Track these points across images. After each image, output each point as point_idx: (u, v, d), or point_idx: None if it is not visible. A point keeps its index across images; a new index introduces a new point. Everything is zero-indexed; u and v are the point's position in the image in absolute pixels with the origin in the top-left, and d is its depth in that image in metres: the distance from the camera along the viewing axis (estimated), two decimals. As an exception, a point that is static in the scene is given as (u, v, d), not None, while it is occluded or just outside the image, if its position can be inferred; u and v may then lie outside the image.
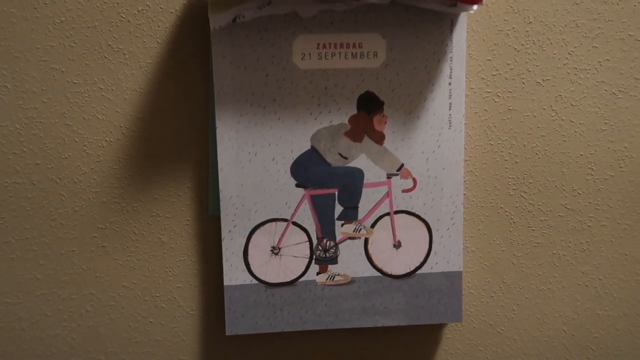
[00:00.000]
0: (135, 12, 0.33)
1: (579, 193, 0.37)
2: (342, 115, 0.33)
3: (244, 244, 0.34)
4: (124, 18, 0.33)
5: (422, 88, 0.33)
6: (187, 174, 0.35)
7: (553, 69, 0.35)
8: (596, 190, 0.37)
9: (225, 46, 0.32)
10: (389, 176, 0.34)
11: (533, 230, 0.37)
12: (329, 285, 0.35)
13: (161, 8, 0.33)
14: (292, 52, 0.33)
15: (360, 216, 0.35)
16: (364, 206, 0.35)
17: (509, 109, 0.36)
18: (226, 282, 0.35)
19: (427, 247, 0.35)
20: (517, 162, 0.36)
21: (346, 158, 0.34)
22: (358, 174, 0.34)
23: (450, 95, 0.34)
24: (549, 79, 0.36)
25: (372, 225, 0.35)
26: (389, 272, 0.35)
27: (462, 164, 0.35)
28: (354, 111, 0.34)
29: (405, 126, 0.34)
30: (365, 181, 0.34)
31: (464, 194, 0.36)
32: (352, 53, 0.33)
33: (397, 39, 0.33)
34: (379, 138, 0.34)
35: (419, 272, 0.35)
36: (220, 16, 0.30)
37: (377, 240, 0.35)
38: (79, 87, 0.33)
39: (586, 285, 0.38)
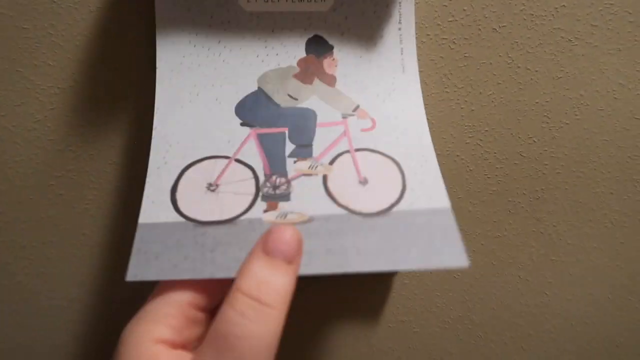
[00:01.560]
0: (83, -46, 0.32)
1: (534, 141, 0.37)
2: (290, 59, 0.32)
3: (173, 181, 0.30)
4: (71, -40, 0.32)
5: (372, 32, 0.32)
6: (144, 119, 0.35)
7: (509, 15, 0.35)
8: (551, 138, 0.37)
9: None
10: (345, 116, 0.33)
11: (489, 177, 0.38)
12: (281, 224, 0.27)
13: (109, -50, 0.32)
14: None
15: (315, 154, 0.31)
16: (318, 145, 0.32)
17: (464, 56, 0.36)
18: (141, 220, 0.28)
19: (400, 183, 0.30)
20: (473, 110, 0.36)
21: (296, 99, 0.32)
22: (310, 113, 0.32)
23: (401, 41, 0.33)
24: (505, 26, 0.35)
25: (331, 163, 0.31)
26: (358, 210, 0.29)
27: (423, 107, 0.33)
28: (303, 54, 0.33)
29: (357, 69, 0.33)
30: (318, 121, 0.32)
31: (420, 141, 0.37)
32: None
33: None
34: (331, 80, 0.33)
35: (395, 209, 0.29)
36: None
37: (338, 176, 0.30)
38: (29, 32, 0.33)
39: (541, 232, 0.39)
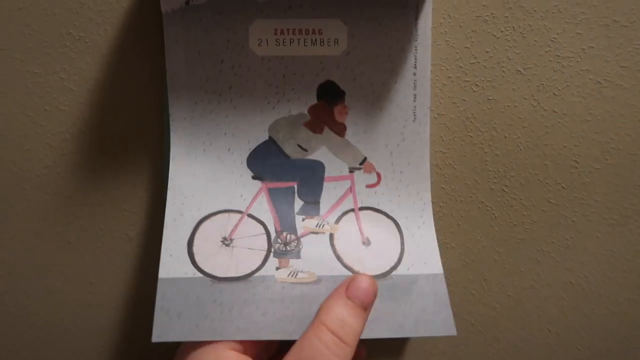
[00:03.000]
0: (97, -1, 0.31)
1: (563, 187, 0.35)
2: (301, 105, 0.31)
3: (189, 234, 0.30)
4: (84, 4, 0.31)
5: (385, 78, 0.31)
6: (155, 165, 0.33)
7: (534, 57, 0.34)
8: (581, 184, 0.35)
9: (177, 30, 0.29)
10: (352, 170, 0.32)
11: (515, 225, 0.35)
12: (292, 283, 0.30)
13: (123, -6, 0.31)
14: (249, 37, 0.30)
15: (322, 212, 0.31)
16: (325, 202, 0.31)
17: (488, 99, 0.34)
18: (161, 274, 0.29)
19: (399, 246, 0.31)
20: (497, 155, 0.35)
21: (306, 150, 0.31)
22: (319, 166, 0.31)
23: (415, 87, 0.31)
24: (530, 67, 0.34)
25: (336, 222, 0.31)
26: (362, 272, 0.31)
27: (428, 158, 0.32)
28: (314, 101, 0.31)
29: (367, 118, 0.31)
30: (326, 175, 0.31)
31: (442, 187, 0.35)
32: (311, 40, 0.30)
33: (359, 25, 0.30)
34: (341, 130, 0.31)
35: (394, 273, 0.31)
36: None
37: (343, 236, 0.31)
38: (40, 76, 0.32)
39: (571, 283, 0.36)
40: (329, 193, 0.31)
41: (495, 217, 0.35)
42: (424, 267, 0.31)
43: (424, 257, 0.31)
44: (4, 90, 0.32)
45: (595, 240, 0.35)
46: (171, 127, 0.31)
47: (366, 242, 0.31)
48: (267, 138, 0.31)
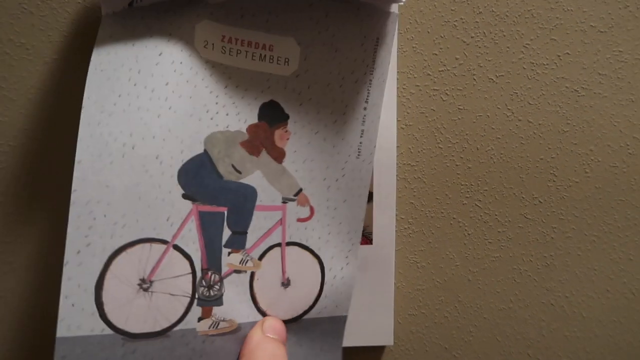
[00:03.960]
0: (39, 3, 0.29)
1: (540, 201, 0.33)
2: (240, 122, 0.28)
3: (98, 273, 0.25)
4: (26, 9, 0.29)
5: (334, 108, 0.28)
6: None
7: (507, 64, 0.32)
8: (559, 198, 0.33)
9: (114, 30, 0.27)
10: (285, 200, 0.29)
11: (490, 243, 0.33)
12: (212, 335, 0.27)
13: (66, -2, 0.29)
14: (195, 36, 0.27)
15: (248, 244, 0.28)
16: (253, 232, 0.28)
17: (459, 109, 0.32)
18: (60, 332, 0.24)
19: (318, 288, 0.29)
20: (470, 168, 0.32)
21: (240, 172, 0.28)
22: (250, 192, 0.28)
23: (364, 122, 0.29)
24: (502, 75, 0.32)
25: (260, 257, 0.29)
26: (273, 317, 0.29)
27: (366, 198, 0.29)
28: (255, 120, 0.28)
29: (309, 147, 0.29)
30: (258, 202, 0.28)
31: (411, 202, 0.33)
32: (260, 55, 0.28)
33: (314, 48, 0.28)
34: (279, 155, 0.29)
35: (305, 317, 0.29)
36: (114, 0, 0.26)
37: (264, 275, 0.29)
38: (-22, 85, 0.30)
39: (551, 304, 0.34)
40: (258, 223, 0.28)
41: (469, 234, 0.33)
42: (335, 309, 0.29)
43: (338, 300, 0.29)
44: (-61, 100, 0.29)
45: (576, 258, 0.33)
46: (82, 120, 0.25)
47: (285, 283, 0.29)
48: (202, 151, 0.28)
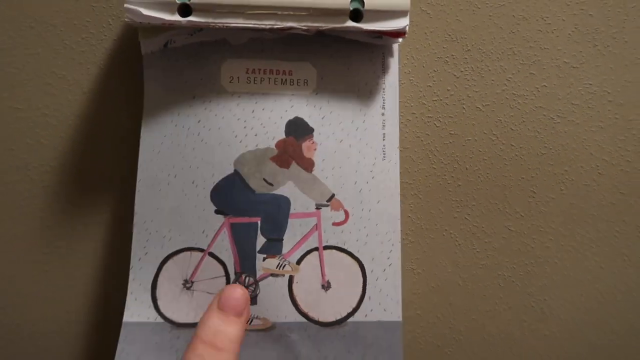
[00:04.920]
0: (79, 40, 0.33)
1: (521, 215, 0.37)
2: (269, 140, 0.31)
3: (153, 275, 0.30)
4: (67, 45, 0.33)
5: (354, 117, 0.32)
6: (131, 198, 0.35)
7: (492, 95, 0.36)
8: (538, 213, 0.37)
9: (156, 70, 0.31)
10: (318, 207, 0.31)
11: (478, 252, 0.37)
12: (246, 330, 0.29)
13: (105, 36, 0.33)
14: (221, 74, 0.31)
15: (284, 250, 0.31)
16: (289, 239, 0.31)
17: (450, 134, 0.36)
18: (126, 317, 0.30)
19: (360, 290, 0.31)
20: (460, 185, 0.36)
21: (272, 184, 0.31)
22: (284, 202, 0.31)
23: (384, 126, 0.32)
24: (488, 105, 0.36)
25: (298, 262, 0.31)
26: (316, 319, 0.31)
27: (399, 198, 0.32)
28: (282, 136, 0.31)
29: (336, 154, 0.31)
30: (292, 211, 0.31)
31: (408, 216, 0.37)
32: (281, 79, 0.31)
33: (328, 68, 0.31)
34: (308, 165, 0.31)
35: (351, 319, 0.31)
36: (151, 41, 0.30)
37: (303, 279, 0.31)
38: (23, 112, 0.33)
39: (532, 306, 0.38)
40: (294, 230, 0.31)
41: (459, 244, 0.37)
42: (383, 314, 0.31)
43: (385, 302, 0.31)
44: (-13, 125, 0.33)
45: (553, 265, 0.37)
46: (140, 160, 0.31)
47: (326, 286, 0.31)
48: (232, 171, 0.31)
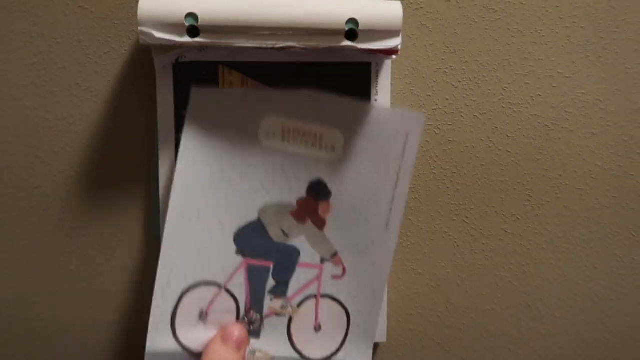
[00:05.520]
0: (102, 54, 0.35)
1: (518, 218, 0.39)
2: (291, 196, 0.34)
3: (174, 306, 0.33)
4: (91, 59, 0.35)
5: (369, 188, 0.34)
6: (148, 199, 0.37)
7: (489, 104, 0.38)
8: (534, 216, 0.39)
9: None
10: (323, 260, 0.35)
11: (476, 253, 0.39)
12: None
13: (124, 50, 0.35)
14: (260, 127, 0.34)
15: (289, 293, 0.35)
16: (294, 284, 0.35)
17: (449, 141, 0.38)
18: (148, 347, 0.33)
19: (344, 334, 0.35)
20: (458, 190, 0.38)
21: (287, 236, 0.35)
22: (295, 252, 0.35)
23: (393, 200, 0.35)
24: (485, 113, 0.38)
25: (299, 305, 0.35)
26: (307, 355, 0.35)
27: (390, 264, 0.35)
28: (304, 194, 0.34)
29: (345, 218, 0.34)
30: (300, 261, 0.35)
31: (409, 219, 0.38)
32: (312, 142, 0.34)
33: (355, 138, 0.34)
34: (321, 224, 0.35)
35: (334, 357, 0.35)
36: (164, 57, 0.33)
37: (300, 320, 0.35)
38: (49, 122, 0.35)
39: (528, 305, 0.40)
40: (299, 277, 0.35)
41: (458, 246, 0.38)
42: (358, 355, 0.36)
43: (359, 346, 0.36)
44: (17, 134, 0.35)
45: (549, 266, 0.39)
46: (173, 192, 0.33)
47: (317, 328, 0.35)
48: (256, 219, 0.34)
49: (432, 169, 0.38)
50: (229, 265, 0.34)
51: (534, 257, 0.39)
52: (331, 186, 0.34)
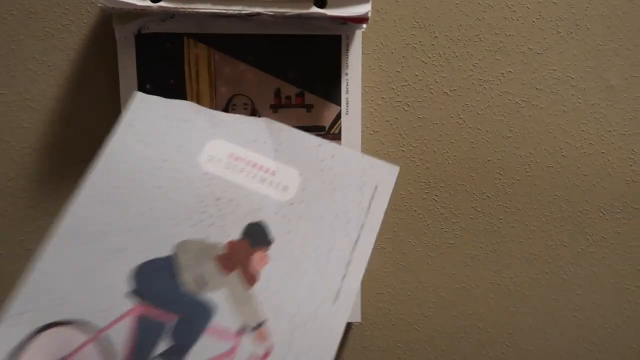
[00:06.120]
0: (59, 27, 0.34)
1: (488, 196, 0.39)
2: (222, 236, 0.27)
3: (19, 341, 0.24)
4: (48, 32, 0.34)
5: (320, 244, 0.27)
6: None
7: (459, 80, 0.37)
8: (504, 194, 0.39)
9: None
10: (243, 330, 0.26)
11: (446, 231, 0.39)
12: None
13: (83, 23, 0.34)
14: (203, 150, 0.28)
15: None
16: (195, 355, 0.25)
17: (418, 118, 0.37)
18: None
19: None
20: (428, 168, 0.38)
21: (204, 286, 0.26)
22: (208, 309, 0.26)
23: (348, 265, 0.28)
24: (455, 90, 0.37)
25: None
26: None
27: (334, 352, 0.26)
28: (238, 236, 0.27)
29: (285, 279, 0.27)
30: (211, 324, 0.26)
31: (378, 197, 0.38)
32: (262, 177, 0.28)
33: (314, 182, 0.28)
34: (251, 278, 0.27)
35: None
36: (125, 27, 0.31)
37: None
38: (6, 97, 0.34)
39: (498, 284, 0.39)
40: (204, 347, 0.25)
41: (428, 225, 0.38)
42: None
43: None
44: (-29, 109, 0.34)
45: (519, 244, 0.39)
46: (75, 202, 0.26)
47: None
48: (168, 255, 0.26)
49: (401, 147, 0.37)
50: (115, 307, 0.25)
51: (503, 235, 0.38)
52: (274, 233, 0.27)
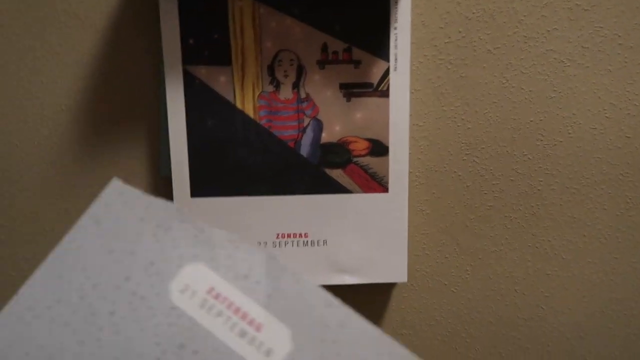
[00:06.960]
0: (92, -24, 0.33)
1: (529, 158, 0.38)
2: None
3: None
4: (80, -18, 0.33)
5: None
6: (151, 135, 0.35)
7: (503, 37, 0.36)
8: (545, 156, 0.38)
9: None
10: None
11: (485, 194, 0.38)
12: None
13: (117, -28, 0.33)
14: (177, 275, 0.21)
15: None
16: None
17: (461, 76, 0.36)
18: None
19: None
20: (469, 128, 0.37)
21: None
22: None
23: None
24: (499, 47, 0.36)
25: None
26: None
27: None
28: None
29: None
30: None
31: (418, 157, 0.37)
32: (242, 329, 0.20)
33: (308, 355, 0.19)
34: None
35: None
36: None
37: None
38: (36, 51, 0.33)
39: (536, 247, 0.39)
40: None
41: (467, 186, 0.37)
42: None
43: None
44: (1, 63, 0.33)
45: (558, 207, 0.38)
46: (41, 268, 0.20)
47: None
48: None
49: (442, 106, 0.36)
50: None
51: (544, 197, 0.38)
52: None
